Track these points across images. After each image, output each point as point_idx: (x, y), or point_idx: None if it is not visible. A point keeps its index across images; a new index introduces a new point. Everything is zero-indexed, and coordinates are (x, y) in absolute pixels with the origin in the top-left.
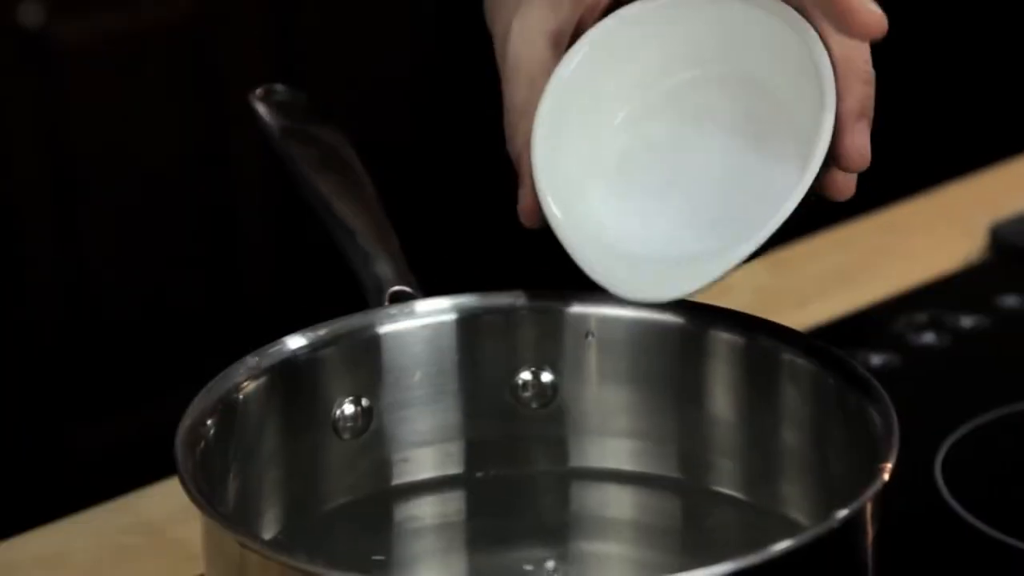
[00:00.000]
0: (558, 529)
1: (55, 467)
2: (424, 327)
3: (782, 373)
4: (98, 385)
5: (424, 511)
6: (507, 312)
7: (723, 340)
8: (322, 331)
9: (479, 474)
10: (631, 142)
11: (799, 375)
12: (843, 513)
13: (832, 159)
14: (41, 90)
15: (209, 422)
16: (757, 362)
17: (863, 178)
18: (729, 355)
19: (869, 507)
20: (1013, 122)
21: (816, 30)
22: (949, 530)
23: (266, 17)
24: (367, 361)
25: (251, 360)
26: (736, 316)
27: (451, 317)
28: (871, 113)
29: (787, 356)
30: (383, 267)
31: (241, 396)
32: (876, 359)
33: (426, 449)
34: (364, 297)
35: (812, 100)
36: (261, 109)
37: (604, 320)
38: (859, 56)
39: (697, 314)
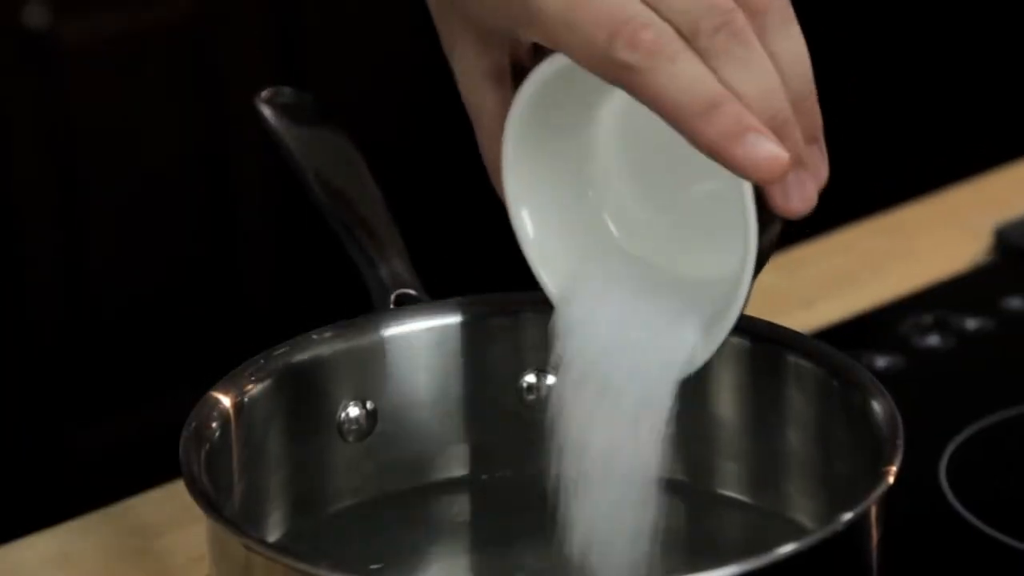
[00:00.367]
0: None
1: (55, 468)
2: (429, 330)
3: (787, 375)
4: (98, 386)
5: (428, 513)
6: (512, 314)
7: (727, 343)
8: (328, 333)
9: (484, 477)
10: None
11: (803, 377)
12: (848, 516)
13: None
14: (45, 90)
15: (214, 424)
16: (761, 364)
17: (867, 181)
18: (733, 357)
19: (874, 510)
20: (1018, 124)
21: None
22: (954, 533)
23: (267, 18)
24: (373, 364)
25: (257, 362)
26: (740, 319)
27: (456, 320)
28: (808, 157)
29: (791, 358)
30: (389, 270)
31: (246, 399)
32: (881, 361)
33: (431, 452)
34: (365, 298)
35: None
36: (266, 111)
37: None
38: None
39: None
